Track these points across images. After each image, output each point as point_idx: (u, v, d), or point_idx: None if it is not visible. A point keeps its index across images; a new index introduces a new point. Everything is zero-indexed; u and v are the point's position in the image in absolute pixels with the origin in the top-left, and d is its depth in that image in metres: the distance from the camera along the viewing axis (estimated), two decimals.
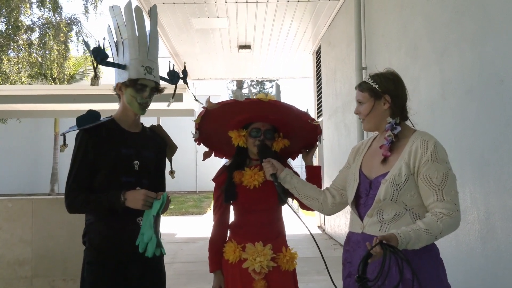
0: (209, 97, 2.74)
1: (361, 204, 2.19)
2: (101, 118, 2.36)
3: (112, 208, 2.22)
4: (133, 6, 2.43)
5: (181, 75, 2.67)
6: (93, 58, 2.35)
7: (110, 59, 2.40)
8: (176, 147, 2.69)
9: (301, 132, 2.66)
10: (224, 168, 2.73)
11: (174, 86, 2.71)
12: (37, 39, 19.32)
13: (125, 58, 2.38)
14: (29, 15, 19.90)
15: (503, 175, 3.10)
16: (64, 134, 2.43)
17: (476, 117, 3.44)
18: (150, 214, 2.25)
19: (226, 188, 2.63)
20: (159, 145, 2.56)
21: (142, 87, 2.35)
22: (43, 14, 20.05)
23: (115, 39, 2.46)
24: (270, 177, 2.42)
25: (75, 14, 23.00)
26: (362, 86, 2.23)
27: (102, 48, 2.37)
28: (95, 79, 2.41)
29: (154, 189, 2.36)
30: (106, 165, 2.27)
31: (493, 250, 3.22)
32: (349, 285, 2.20)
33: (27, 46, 19.04)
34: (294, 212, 2.48)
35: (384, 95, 2.14)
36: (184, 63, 2.79)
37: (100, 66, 2.44)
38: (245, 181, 2.60)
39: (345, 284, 2.26)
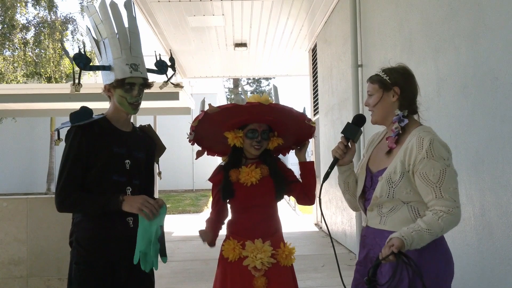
0: (204, 98, 2.75)
1: (365, 198, 2.23)
2: (94, 116, 2.32)
3: (106, 209, 2.19)
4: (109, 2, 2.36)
5: (169, 63, 2.61)
6: (74, 65, 2.29)
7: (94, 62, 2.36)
8: (165, 148, 2.66)
9: (294, 131, 2.68)
10: (220, 168, 2.76)
11: (166, 77, 2.65)
12: (33, 38, 19.26)
13: (108, 58, 2.32)
14: (25, 14, 19.84)
15: (498, 172, 3.10)
16: (58, 130, 2.38)
17: (471, 114, 3.44)
18: (152, 227, 2.20)
19: (223, 187, 2.66)
20: (149, 146, 2.53)
21: (130, 86, 2.29)
22: (38, 13, 19.97)
23: (96, 39, 2.39)
24: (333, 156, 2.28)
25: (70, 13, 22.90)
26: (372, 78, 2.24)
27: (83, 53, 2.30)
28: (79, 85, 2.36)
29: (144, 190, 2.37)
30: (98, 163, 2.24)
31: (489, 246, 3.23)
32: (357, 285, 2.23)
33: (23, 45, 18.99)
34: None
35: (394, 86, 2.15)
36: (170, 50, 2.73)
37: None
38: (242, 178, 2.64)
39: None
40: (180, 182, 22.16)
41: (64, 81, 20.06)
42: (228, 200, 2.72)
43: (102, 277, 2.22)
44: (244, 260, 2.58)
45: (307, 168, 2.75)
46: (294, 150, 2.85)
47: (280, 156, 2.91)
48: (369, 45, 6.02)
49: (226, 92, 34.97)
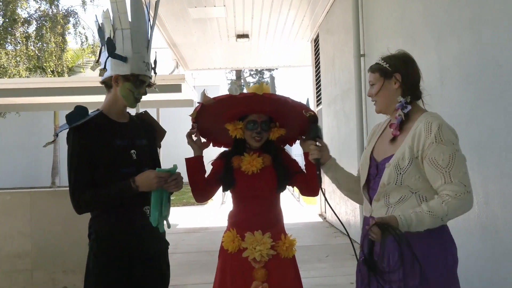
0: (204, 89, 2.72)
1: (370, 187, 2.19)
2: (89, 113, 2.30)
3: (123, 198, 2.21)
4: None
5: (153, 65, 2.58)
6: (105, 49, 2.30)
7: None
8: (165, 132, 2.65)
9: (297, 120, 2.65)
10: (223, 154, 2.74)
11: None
12: (34, 32, 19.26)
13: (125, 49, 2.30)
14: (26, 8, 19.79)
15: (501, 160, 3.09)
16: (57, 134, 2.37)
17: (474, 102, 3.42)
18: (158, 194, 2.24)
19: (224, 175, 2.63)
20: (149, 132, 2.53)
21: (141, 83, 2.34)
22: (39, 7, 19.94)
23: (112, 26, 2.34)
24: (313, 161, 2.35)
25: (72, 6, 22.82)
26: (372, 68, 2.22)
27: (112, 39, 2.31)
28: (97, 64, 2.40)
29: None
30: (104, 160, 2.23)
31: (492, 235, 3.22)
32: (359, 270, 2.21)
33: (25, 39, 19.00)
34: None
35: (394, 73, 2.12)
36: (155, 52, 2.69)
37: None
38: (243, 166, 2.61)
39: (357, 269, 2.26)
40: (184, 175, 22.15)
41: (66, 74, 20.07)
42: (229, 190, 2.70)
43: (120, 269, 2.23)
44: (243, 251, 2.57)
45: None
46: (299, 140, 2.82)
47: (287, 146, 2.90)
48: (372, 34, 5.98)
49: (229, 83, 34.93)
